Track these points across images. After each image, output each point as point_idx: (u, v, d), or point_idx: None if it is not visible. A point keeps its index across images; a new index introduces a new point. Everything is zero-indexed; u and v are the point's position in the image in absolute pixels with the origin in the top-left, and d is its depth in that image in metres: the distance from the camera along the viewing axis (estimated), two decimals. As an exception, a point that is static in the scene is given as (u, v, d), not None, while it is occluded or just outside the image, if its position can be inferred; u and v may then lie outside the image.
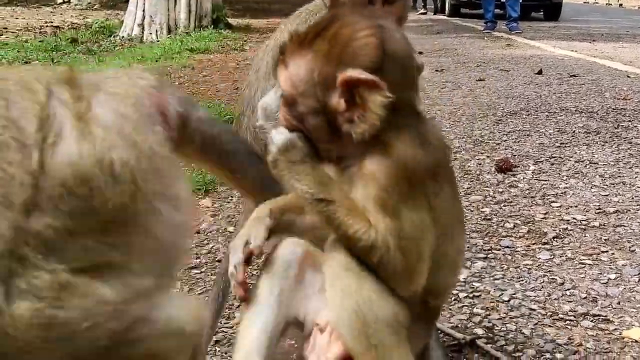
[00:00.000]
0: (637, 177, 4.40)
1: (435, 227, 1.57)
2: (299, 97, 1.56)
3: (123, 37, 13.21)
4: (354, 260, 1.54)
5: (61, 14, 19.16)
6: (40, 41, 12.42)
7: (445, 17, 20.73)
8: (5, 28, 14.61)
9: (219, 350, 2.56)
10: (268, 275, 1.73)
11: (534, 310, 2.73)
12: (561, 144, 5.21)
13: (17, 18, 17.20)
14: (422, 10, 22.96)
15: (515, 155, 4.90)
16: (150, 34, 13.15)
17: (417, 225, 1.53)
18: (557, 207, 3.86)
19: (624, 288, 2.92)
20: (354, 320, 1.53)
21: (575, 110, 6.40)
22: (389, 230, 1.51)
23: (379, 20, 1.58)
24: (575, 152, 4.96)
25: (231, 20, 15.35)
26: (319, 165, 1.59)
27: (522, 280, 2.98)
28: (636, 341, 2.50)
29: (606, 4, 37.28)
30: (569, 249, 3.31)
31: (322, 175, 1.58)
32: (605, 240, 3.42)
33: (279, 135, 1.60)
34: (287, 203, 1.72)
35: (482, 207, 3.87)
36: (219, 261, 3.35)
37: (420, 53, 10.91)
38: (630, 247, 3.34)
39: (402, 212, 1.52)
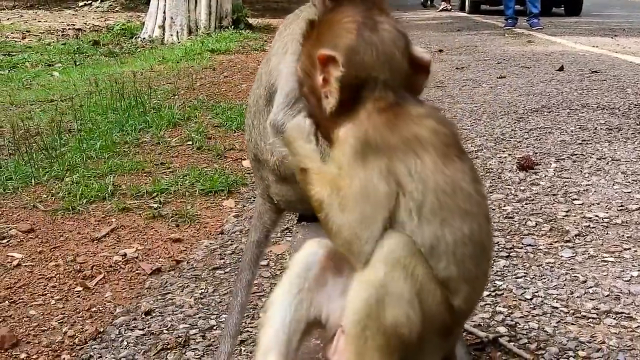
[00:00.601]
0: (659, 173, 4.39)
1: (404, 199, 1.60)
2: (302, 77, 1.78)
3: (144, 38, 13.30)
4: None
5: (83, 16, 19.29)
6: (62, 44, 12.55)
7: (465, 14, 20.66)
8: (28, 31, 14.75)
9: (244, 350, 2.60)
10: (288, 275, 1.79)
11: (557, 308, 2.74)
12: (583, 141, 5.20)
13: (39, 21, 17.34)
14: (443, 6, 22.85)
15: (536, 153, 4.90)
16: (171, 35, 13.22)
17: (363, 186, 1.60)
18: (579, 204, 3.86)
19: (647, 285, 2.93)
20: (361, 307, 1.58)
21: (597, 107, 6.38)
22: (336, 186, 1.62)
23: (372, 12, 1.74)
24: (597, 149, 4.95)
25: (251, 20, 15.40)
26: (313, 143, 1.76)
27: (545, 279, 2.99)
28: (659, 338, 2.51)
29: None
30: (591, 247, 3.31)
31: (310, 150, 1.73)
32: (627, 237, 3.42)
33: (293, 119, 1.86)
34: None
35: (504, 206, 3.88)
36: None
37: (441, 51, 10.93)
38: (653, 244, 3.34)
39: (352, 171, 1.61)
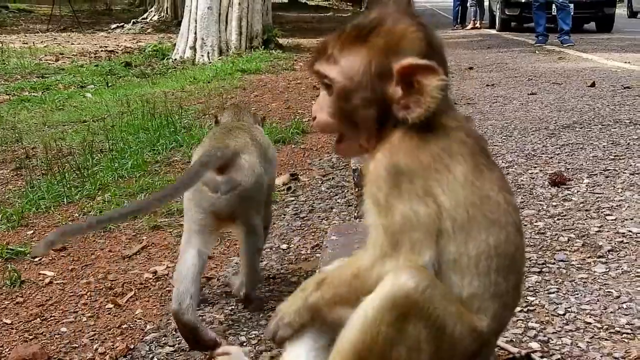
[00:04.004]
0: (694, 188, 4.33)
1: (441, 217, 1.58)
2: (354, 89, 1.67)
3: (176, 59, 13.44)
4: None
5: (115, 38, 19.52)
6: (95, 65, 12.71)
7: (495, 32, 20.61)
8: (62, 53, 14.95)
9: (274, 366, 2.58)
10: None
11: (590, 323, 2.70)
12: (615, 156, 5.14)
13: (72, 43, 17.57)
14: (471, 25, 22.79)
15: (568, 169, 4.85)
16: (202, 56, 13.34)
17: (405, 216, 1.56)
18: (612, 220, 3.82)
19: (682, 301, 2.88)
20: (358, 340, 1.57)
21: (630, 122, 6.32)
22: (381, 232, 1.59)
23: (418, 16, 1.72)
24: (630, 165, 4.89)
25: (281, 40, 15.48)
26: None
27: (578, 294, 2.95)
28: (695, 354, 2.46)
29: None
30: (624, 262, 3.27)
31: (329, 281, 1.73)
32: (662, 252, 3.37)
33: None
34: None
35: (536, 221, 3.84)
36: (273, 278, 3.40)
37: (471, 68, 10.91)
38: (688, 260, 3.28)
39: (391, 204, 1.58)
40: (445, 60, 1.70)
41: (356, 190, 3.96)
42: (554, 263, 3.29)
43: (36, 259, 3.71)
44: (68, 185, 4.88)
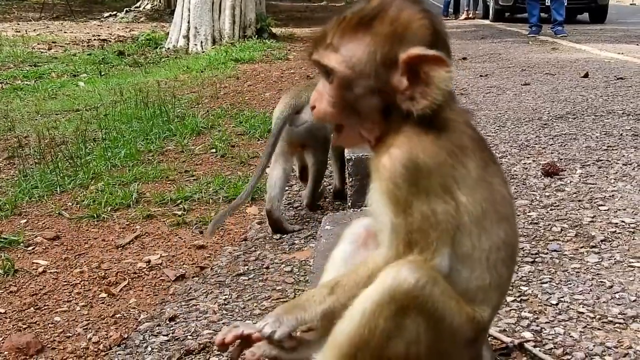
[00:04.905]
0: (686, 179, 4.34)
1: (459, 213, 1.57)
2: (356, 78, 1.61)
3: (169, 48, 13.41)
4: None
5: (108, 27, 19.45)
6: (88, 54, 12.68)
7: (489, 22, 20.59)
8: (54, 42, 14.90)
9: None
10: (339, 244, 1.88)
11: (583, 313, 2.71)
12: (608, 147, 5.15)
13: (65, 32, 17.50)
14: (464, 15, 22.75)
15: (561, 159, 4.85)
16: (196, 45, 13.31)
17: (425, 215, 1.54)
18: (605, 210, 3.82)
19: (675, 291, 2.89)
20: (346, 340, 1.59)
21: (623, 113, 6.32)
22: (398, 227, 1.57)
23: (422, 3, 1.66)
24: (623, 155, 4.90)
25: (275, 30, 15.45)
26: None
27: (570, 284, 2.96)
28: (687, 344, 2.47)
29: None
30: (617, 252, 3.27)
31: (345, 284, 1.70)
32: (654, 243, 3.38)
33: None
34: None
35: (529, 212, 3.85)
36: (266, 268, 3.40)
37: (464, 59, 10.90)
38: (680, 250, 3.30)
39: (410, 203, 1.55)
40: (450, 50, 1.67)
41: (350, 180, 3.95)
42: (547, 253, 3.30)
43: (30, 248, 3.71)
44: (61, 174, 4.87)
